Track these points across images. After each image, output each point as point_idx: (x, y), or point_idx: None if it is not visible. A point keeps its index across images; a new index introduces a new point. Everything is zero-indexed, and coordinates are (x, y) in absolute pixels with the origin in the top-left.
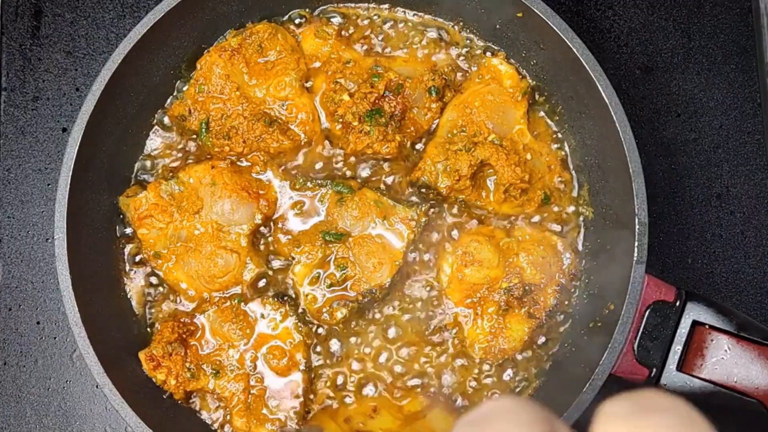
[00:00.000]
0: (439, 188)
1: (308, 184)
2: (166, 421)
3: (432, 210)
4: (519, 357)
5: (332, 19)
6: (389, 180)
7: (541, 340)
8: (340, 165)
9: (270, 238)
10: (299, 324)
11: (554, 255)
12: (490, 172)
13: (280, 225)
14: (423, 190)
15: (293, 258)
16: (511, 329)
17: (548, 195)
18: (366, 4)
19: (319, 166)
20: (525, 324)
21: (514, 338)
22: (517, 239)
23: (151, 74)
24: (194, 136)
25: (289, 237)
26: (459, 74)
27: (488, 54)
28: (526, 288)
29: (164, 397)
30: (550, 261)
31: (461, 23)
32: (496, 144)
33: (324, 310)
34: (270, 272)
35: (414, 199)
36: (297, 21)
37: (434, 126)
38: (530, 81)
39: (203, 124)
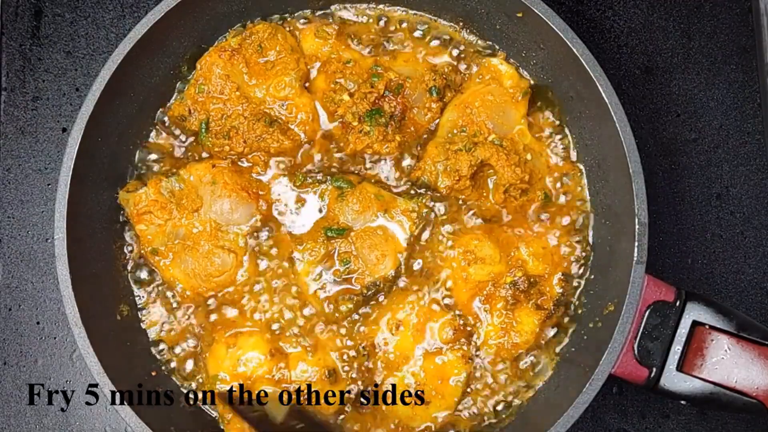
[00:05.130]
0: (439, 188)
1: (308, 180)
2: (166, 422)
3: (433, 210)
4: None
5: (332, 19)
6: (389, 176)
7: (551, 332)
8: (339, 164)
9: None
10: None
11: (554, 244)
12: (490, 172)
13: (281, 223)
14: (422, 190)
15: (295, 256)
16: (522, 323)
17: (548, 195)
18: (366, 4)
19: (319, 165)
20: (534, 316)
21: (526, 331)
22: (517, 233)
23: (151, 74)
24: (193, 137)
25: (291, 235)
26: (459, 74)
27: (488, 53)
28: (531, 280)
29: (165, 398)
30: (551, 251)
31: (461, 23)
32: (496, 144)
33: (330, 305)
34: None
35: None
36: (300, 20)
37: (434, 126)
38: (531, 81)
39: (203, 124)
